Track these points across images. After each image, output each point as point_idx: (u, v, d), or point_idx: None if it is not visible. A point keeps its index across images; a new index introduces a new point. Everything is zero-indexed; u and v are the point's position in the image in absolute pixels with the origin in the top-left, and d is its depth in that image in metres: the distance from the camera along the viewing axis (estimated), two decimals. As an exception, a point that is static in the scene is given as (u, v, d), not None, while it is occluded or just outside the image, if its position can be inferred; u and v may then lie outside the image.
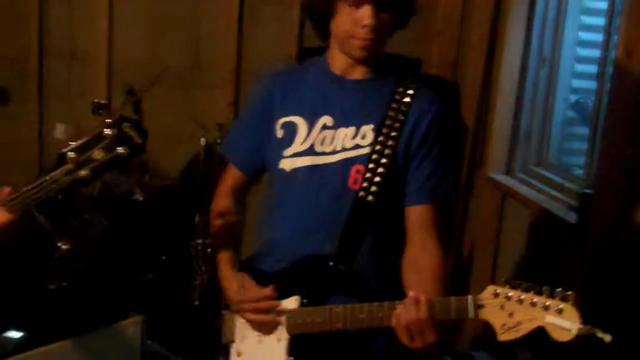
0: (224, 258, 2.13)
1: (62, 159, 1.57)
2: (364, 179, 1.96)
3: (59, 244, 2.64)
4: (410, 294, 1.74)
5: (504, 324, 1.60)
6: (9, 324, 2.65)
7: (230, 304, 2.08)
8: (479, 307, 1.65)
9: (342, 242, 1.97)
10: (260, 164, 2.14)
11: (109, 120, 1.56)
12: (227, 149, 2.24)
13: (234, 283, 2.06)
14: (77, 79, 3.74)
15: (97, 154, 1.56)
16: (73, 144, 1.57)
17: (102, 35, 3.70)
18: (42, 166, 3.71)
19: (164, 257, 3.38)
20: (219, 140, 3.43)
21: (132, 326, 2.79)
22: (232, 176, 2.21)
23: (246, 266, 2.13)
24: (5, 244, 1.69)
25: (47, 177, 1.59)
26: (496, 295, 1.63)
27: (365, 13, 1.86)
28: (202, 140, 3.52)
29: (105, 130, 1.56)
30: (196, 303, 3.23)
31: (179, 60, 3.78)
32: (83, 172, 1.57)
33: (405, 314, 1.72)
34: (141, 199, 3.09)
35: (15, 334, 2.63)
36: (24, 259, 2.75)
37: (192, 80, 3.80)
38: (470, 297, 1.66)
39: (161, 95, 3.58)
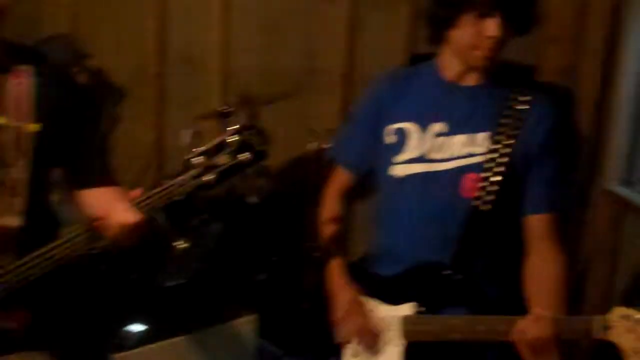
0: (335, 266, 2.15)
1: (188, 164, 1.64)
2: (479, 188, 1.95)
3: (177, 243, 2.75)
4: (536, 310, 1.72)
5: (634, 347, 1.57)
6: (132, 318, 2.77)
7: (335, 311, 2.09)
8: (606, 328, 1.62)
9: (457, 250, 1.97)
10: (369, 168, 2.16)
11: (233, 128, 1.63)
12: (336, 152, 2.27)
13: (345, 295, 2.08)
14: (193, 85, 3.86)
15: (222, 159, 1.62)
16: (199, 149, 1.64)
17: (217, 41, 3.79)
18: (160, 169, 3.85)
19: (274, 259, 3.45)
20: (328, 146, 3.46)
21: (246, 324, 2.86)
22: (340, 179, 2.24)
23: (357, 269, 2.15)
24: (134, 244, 1.75)
25: (175, 181, 1.65)
26: (625, 317, 1.60)
27: (492, 25, 1.85)
28: (312, 146, 3.55)
29: (229, 137, 1.62)
30: (306, 304, 3.26)
31: (292, 66, 3.83)
32: (208, 177, 1.63)
33: (530, 330, 1.70)
34: (255, 201, 3.16)
35: (137, 328, 2.75)
36: (145, 257, 2.88)
37: (303, 86, 3.85)
38: (597, 318, 1.63)
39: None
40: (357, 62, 3.81)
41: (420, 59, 2.16)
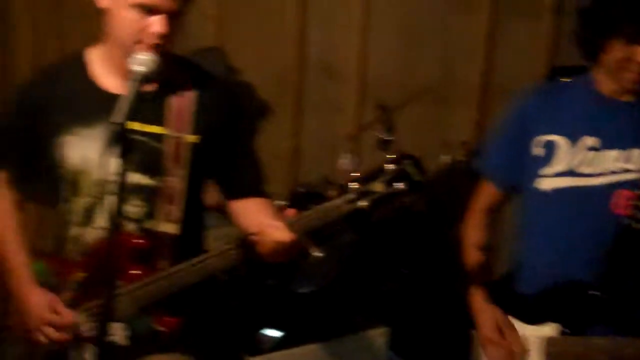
0: (479, 287, 2.13)
1: (344, 188, 1.65)
2: (633, 206, 1.87)
3: (312, 251, 2.78)
4: None
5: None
6: (268, 323, 2.83)
7: (480, 333, 2.07)
8: None
9: (605, 269, 1.90)
10: (517, 182, 2.11)
11: (391, 156, 1.63)
12: (483, 166, 2.23)
13: (489, 317, 2.06)
14: (331, 94, 3.90)
15: (378, 186, 1.62)
16: (356, 174, 1.65)
17: (355, 50, 3.82)
18: (297, 178, 3.91)
19: (405, 271, 3.43)
20: (463, 159, 3.41)
21: (378, 336, 2.86)
22: (487, 193, 2.20)
23: (499, 287, 2.11)
24: (284, 261, 1.77)
25: (329, 205, 1.67)
26: None
27: None
28: (446, 158, 3.51)
29: (386, 165, 1.62)
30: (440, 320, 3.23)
31: (429, 75, 3.80)
32: (363, 203, 1.63)
33: None
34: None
35: (274, 333, 2.81)
36: (281, 264, 2.92)
37: (439, 96, 3.81)
38: None
39: (407, 110, 3.62)
40: (496, 72, 3.73)
41: (563, 72, 2.11)
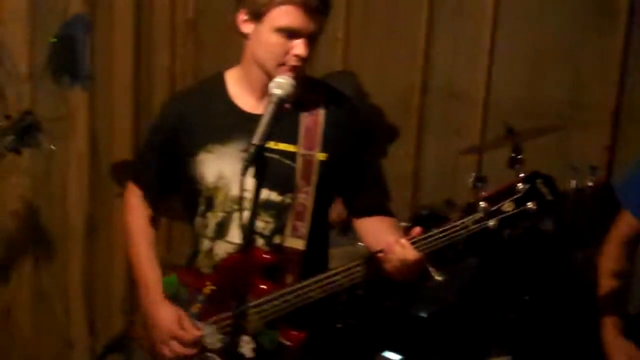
0: (611, 321, 2.07)
1: (472, 207, 1.64)
2: None
3: (433, 275, 2.77)
4: None
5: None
6: (387, 345, 2.84)
7: None
8: None
9: None
10: None
11: (523, 175, 1.61)
12: (622, 195, 2.17)
13: (623, 355, 2.01)
14: (454, 116, 3.89)
15: (508, 206, 1.60)
16: (484, 194, 1.64)
17: (481, 73, 3.79)
18: (418, 200, 3.91)
19: (526, 298, 3.35)
20: (590, 184, 3.31)
21: (499, 364, 2.82)
22: (626, 224, 2.14)
23: (634, 322, 2.04)
24: (409, 280, 1.78)
25: (458, 223, 1.66)
26: None
27: None
28: (573, 183, 3.41)
29: (518, 184, 1.60)
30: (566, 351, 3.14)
31: (557, 98, 3.71)
32: (491, 223, 1.62)
33: None
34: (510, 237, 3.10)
35: (393, 356, 2.81)
36: (401, 285, 2.93)
37: (568, 119, 3.72)
38: None
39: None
40: (630, 96, 3.61)
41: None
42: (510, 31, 3.73)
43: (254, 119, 1.85)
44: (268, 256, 1.88)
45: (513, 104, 3.73)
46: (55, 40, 3.12)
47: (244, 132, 1.85)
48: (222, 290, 1.92)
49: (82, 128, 3.31)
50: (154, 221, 2.13)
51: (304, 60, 1.82)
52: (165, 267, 2.07)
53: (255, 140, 1.59)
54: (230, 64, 2.00)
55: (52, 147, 2.43)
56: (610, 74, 3.61)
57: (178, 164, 1.99)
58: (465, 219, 1.65)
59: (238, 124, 1.90)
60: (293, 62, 1.81)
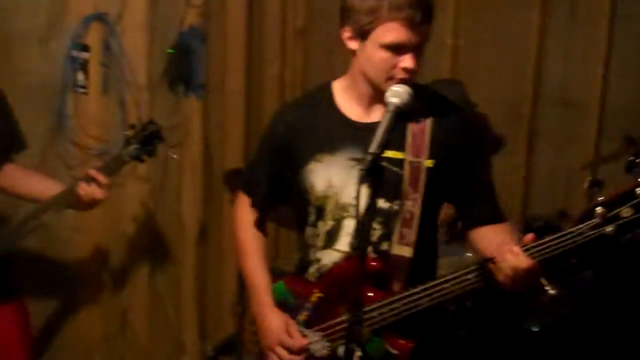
0: None
1: (589, 213, 1.58)
2: None
3: (547, 288, 2.69)
4: None
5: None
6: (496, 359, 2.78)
7: None
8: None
9: None
10: None
11: None
12: None
13: None
14: (567, 125, 3.79)
15: (626, 211, 1.55)
16: (601, 198, 1.58)
17: (597, 82, 3.69)
18: (528, 211, 3.83)
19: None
20: None
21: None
22: None
23: None
24: (522, 290, 1.73)
25: (572, 230, 1.61)
26: None
27: None
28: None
29: (637, 188, 1.55)
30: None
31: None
32: (609, 229, 1.57)
33: None
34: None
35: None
36: (511, 297, 2.87)
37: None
38: None
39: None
40: None
41: None
42: (627, 37, 3.62)
43: (362, 128, 1.89)
44: (375, 263, 1.86)
45: (630, 112, 3.62)
46: (172, 50, 3.23)
47: (352, 141, 1.87)
48: (329, 298, 1.92)
49: (196, 136, 3.40)
50: (263, 229, 2.15)
51: (412, 72, 1.81)
52: (274, 274, 2.09)
53: (372, 148, 1.59)
54: (338, 73, 2.02)
55: (174, 156, 2.52)
56: None
57: (288, 174, 2.00)
58: (581, 225, 1.60)
59: (346, 133, 1.90)
60: (401, 75, 1.80)
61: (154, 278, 3.28)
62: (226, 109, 3.63)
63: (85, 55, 2.91)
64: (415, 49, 1.79)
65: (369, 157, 1.57)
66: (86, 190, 2.29)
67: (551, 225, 3.22)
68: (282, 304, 2.01)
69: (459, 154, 1.92)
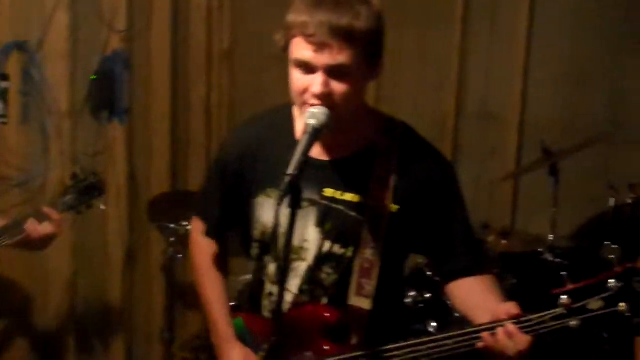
0: None
1: (553, 299, 1.46)
2: None
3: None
4: None
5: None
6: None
7: None
8: None
9: None
10: None
11: (615, 269, 1.43)
12: None
13: None
14: (489, 138, 3.89)
15: (594, 304, 1.43)
16: (568, 287, 1.45)
17: (516, 95, 3.79)
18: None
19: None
20: (629, 202, 3.28)
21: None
22: None
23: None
24: None
25: (534, 316, 1.48)
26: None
27: None
28: (612, 201, 3.38)
29: (610, 281, 1.43)
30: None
31: (594, 117, 3.68)
32: (573, 323, 1.44)
33: None
34: (551, 259, 3.06)
35: None
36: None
37: (606, 136, 3.67)
38: None
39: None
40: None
41: None
42: (545, 52, 3.73)
43: (319, 166, 1.74)
44: (329, 314, 1.75)
45: (549, 124, 3.72)
46: (94, 76, 3.21)
47: (307, 181, 1.63)
48: (285, 343, 1.74)
49: (121, 162, 3.38)
50: (222, 257, 2.01)
51: (326, 98, 1.61)
52: (234, 308, 2.01)
53: (290, 170, 1.49)
54: (266, 94, 1.95)
55: (102, 207, 2.47)
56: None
57: (239, 204, 1.87)
58: (543, 314, 1.47)
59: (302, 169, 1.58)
60: (311, 100, 1.62)
61: (79, 305, 3.24)
62: (151, 133, 3.61)
63: (4, 84, 2.87)
64: (328, 72, 1.60)
65: (286, 179, 1.48)
66: (35, 227, 2.20)
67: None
68: (240, 341, 1.92)
69: (428, 199, 1.74)
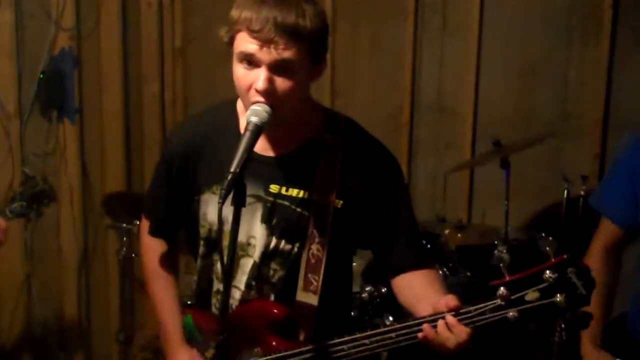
0: (588, 333, 2.06)
1: (491, 291, 1.47)
2: None
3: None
4: None
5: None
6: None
7: None
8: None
9: None
10: (636, 220, 2.05)
11: (552, 261, 1.43)
12: (600, 204, 2.18)
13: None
14: (444, 132, 3.91)
15: (531, 295, 1.43)
16: (505, 278, 1.45)
17: (469, 89, 3.82)
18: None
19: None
20: (582, 193, 3.33)
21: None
22: (606, 233, 2.15)
23: (610, 330, 2.03)
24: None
25: (472, 308, 1.50)
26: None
27: None
28: (565, 193, 3.43)
29: (546, 271, 1.43)
30: None
31: (546, 109, 3.72)
32: (511, 314, 1.44)
33: None
34: (504, 253, 3.09)
35: None
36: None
37: (557, 130, 3.72)
38: None
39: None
40: (615, 105, 3.62)
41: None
42: (496, 46, 3.76)
43: (263, 162, 1.75)
44: (277, 310, 1.75)
45: (502, 117, 3.75)
46: (42, 75, 3.16)
47: (251, 177, 1.67)
48: (233, 340, 1.75)
49: (73, 162, 3.34)
50: (171, 257, 2.00)
51: (269, 95, 1.61)
52: (183, 305, 1.99)
53: (232, 167, 1.50)
54: (219, 91, 1.94)
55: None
56: (596, 83, 3.62)
57: (184, 200, 1.86)
58: (480, 305, 1.48)
59: (245, 166, 1.57)
60: (255, 97, 1.62)
61: (35, 308, 3.20)
62: (104, 131, 3.58)
63: (-54, 85, 2.81)
64: (272, 68, 1.60)
65: (228, 177, 1.49)
66: None
67: (429, 233, 3.32)
68: (189, 339, 1.91)
69: (372, 193, 1.76)
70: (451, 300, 1.55)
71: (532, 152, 3.67)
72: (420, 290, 1.73)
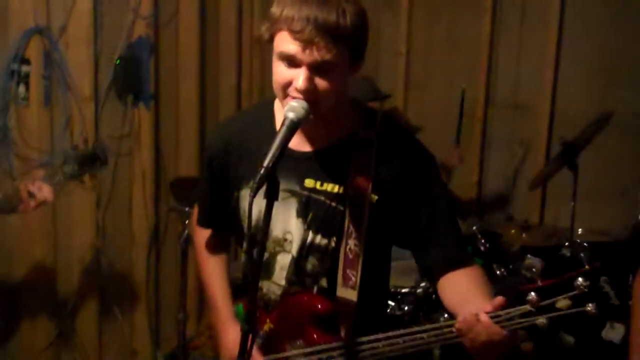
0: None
1: (521, 296, 1.43)
2: None
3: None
4: None
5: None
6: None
7: None
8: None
9: None
10: None
11: (585, 269, 1.46)
12: None
13: None
14: (518, 129, 3.83)
15: (562, 303, 1.39)
16: (536, 283, 1.46)
17: (547, 86, 3.72)
18: (481, 214, 3.87)
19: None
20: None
21: None
22: None
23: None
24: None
25: (502, 312, 1.45)
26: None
27: None
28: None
29: (578, 279, 1.39)
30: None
31: (625, 108, 3.57)
32: (540, 321, 1.41)
33: None
34: (568, 254, 2.98)
35: None
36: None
37: (632, 129, 3.56)
38: None
39: (603, 145, 3.44)
40: None
41: None
42: (576, 43, 3.66)
43: (299, 157, 1.75)
44: (320, 305, 1.75)
45: (579, 115, 3.63)
46: (118, 61, 3.28)
47: (287, 172, 1.69)
48: (278, 331, 1.81)
49: (147, 145, 3.45)
50: (221, 244, 2.03)
51: (309, 93, 1.61)
52: (236, 291, 2.01)
53: (265, 162, 1.49)
54: None
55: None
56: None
57: (226, 193, 1.87)
58: (512, 309, 1.44)
59: (282, 162, 1.56)
60: (294, 94, 1.61)
61: (104, 285, 3.33)
62: (179, 118, 3.68)
63: (26, 68, 2.96)
64: (312, 68, 1.59)
65: (261, 172, 1.48)
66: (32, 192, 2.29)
67: (492, 232, 3.25)
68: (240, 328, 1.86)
69: (408, 187, 1.74)
70: (497, 300, 1.51)
71: (611, 152, 3.54)
72: (462, 294, 1.68)
